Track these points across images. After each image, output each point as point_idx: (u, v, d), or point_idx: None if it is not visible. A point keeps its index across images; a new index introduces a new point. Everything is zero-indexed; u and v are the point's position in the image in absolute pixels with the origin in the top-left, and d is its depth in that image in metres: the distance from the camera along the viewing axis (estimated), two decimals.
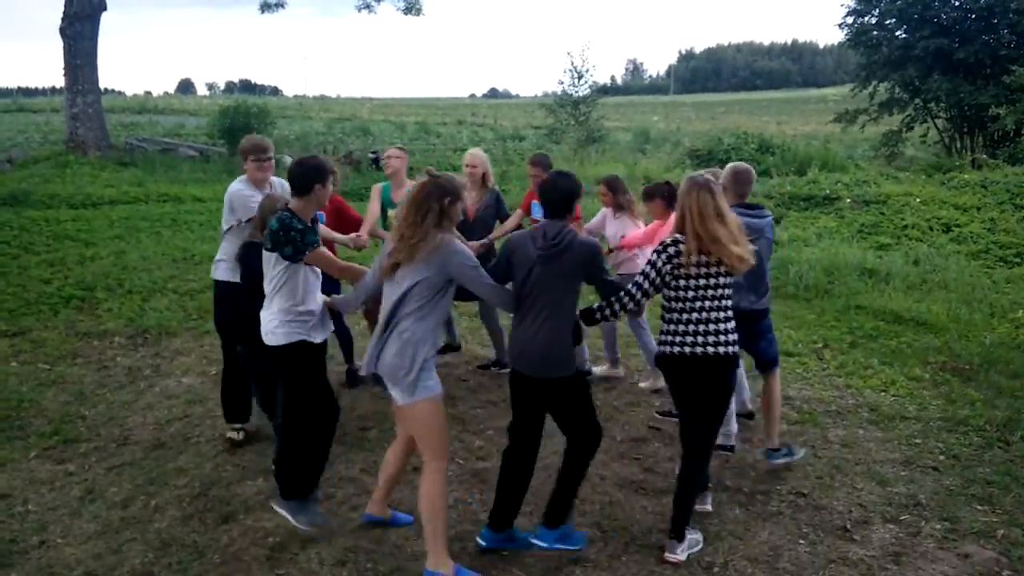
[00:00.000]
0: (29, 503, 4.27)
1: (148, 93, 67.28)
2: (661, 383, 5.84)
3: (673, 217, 5.29)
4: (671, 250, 3.67)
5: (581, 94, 27.55)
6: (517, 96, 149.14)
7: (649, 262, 3.74)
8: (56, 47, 17.11)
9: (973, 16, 21.07)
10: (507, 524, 3.84)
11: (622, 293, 3.74)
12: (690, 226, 3.63)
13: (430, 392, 3.51)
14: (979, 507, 4.36)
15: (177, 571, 3.68)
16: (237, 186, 4.83)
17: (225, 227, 4.85)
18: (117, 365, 6.44)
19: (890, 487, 4.57)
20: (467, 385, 6.05)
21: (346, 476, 4.60)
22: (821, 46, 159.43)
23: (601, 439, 3.82)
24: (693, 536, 3.89)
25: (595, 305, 3.82)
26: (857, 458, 4.96)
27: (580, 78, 27.42)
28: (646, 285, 3.70)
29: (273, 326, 3.81)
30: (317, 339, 3.89)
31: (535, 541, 3.78)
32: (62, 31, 17.03)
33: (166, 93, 79.43)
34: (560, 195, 3.71)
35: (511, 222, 6.27)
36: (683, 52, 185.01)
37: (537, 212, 6.22)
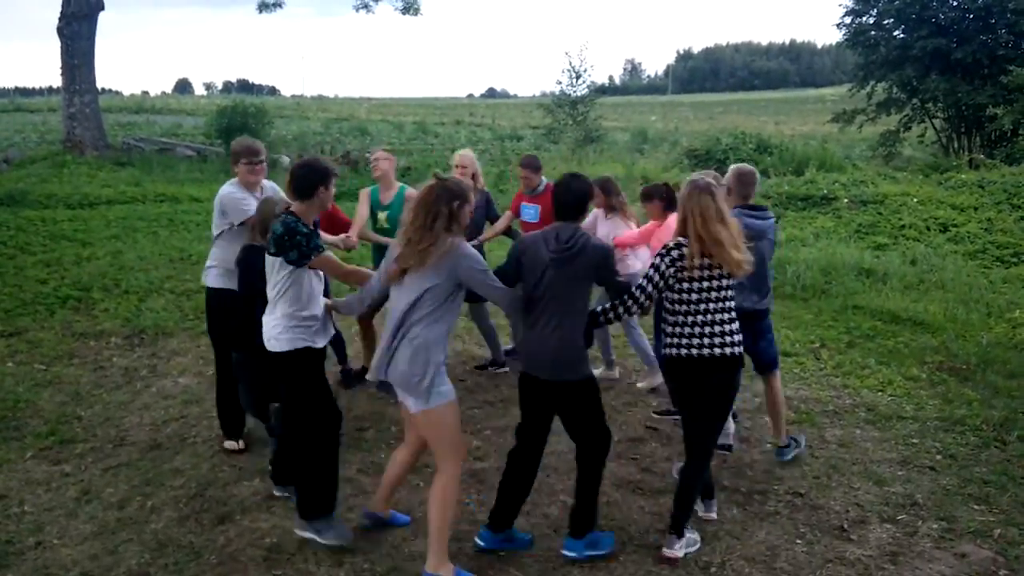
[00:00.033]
0: (25, 504, 4.26)
1: (145, 93, 67.27)
2: (657, 381, 5.85)
3: (670, 219, 5.36)
4: (674, 253, 3.69)
5: (579, 94, 27.61)
6: (515, 96, 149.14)
7: (652, 265, 3.76)
8: (53, 47, 17.12)
9: (971, 16, 21.07)
10: (507, 524, 3.84)
11: (626, 296, 3.75)
12: (692, 229, 3.66)
13: (445, 398, 3.48)
14: (976, 507, 4.36)
15: (173, 572, 3.67)
16: (228, 189, 4.74)
17: (216, 232, 4.77)
18: (113, 365, 6.43)
19: (887, 487, 4.58)
20: (464, 385, 6.05)
21: (343, 476, 4.55)
22: (819, 46, 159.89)
23: (610, 444, 3.82)
24: (691, 536, 3.89)
25: (599, 308, 3.82)
26: (854, 458, 4.96)
27: (578, 78, 27.51)
28: (649, 288, 3.72)
29: (277, 332, 3.74)
30: (320, 344, 3.85)
31: (564, 552, 3.76)
32: (59, 31, 17.01)
33: (163, 93, 79.44)
34: (573, 197, 3.70)
35: (501, 223, 6.29)
36: (681, 52, 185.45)
37: (526, 214, 6.25)
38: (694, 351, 3.71)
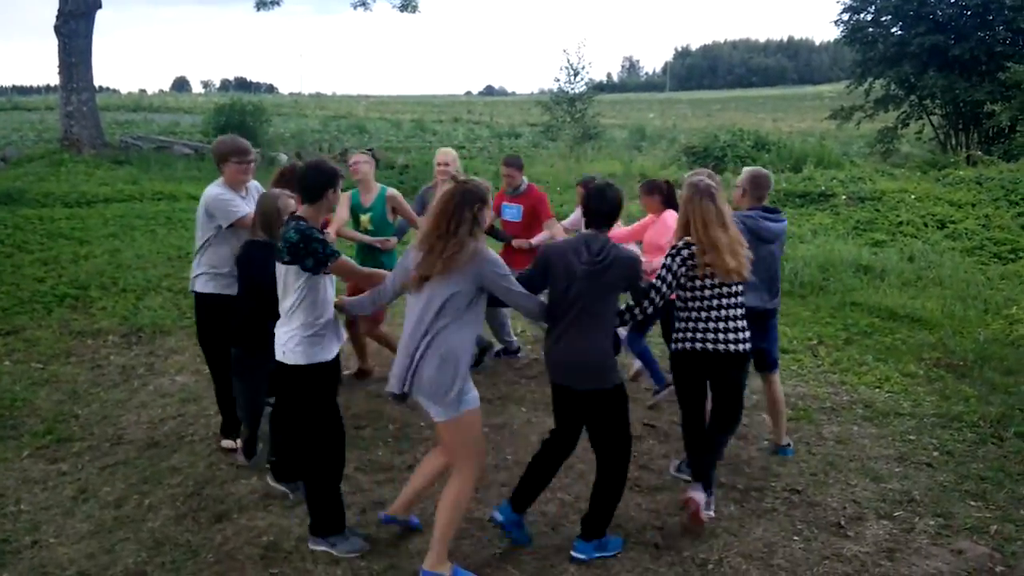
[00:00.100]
0: (22, 502, 4.26)
1: (143, 91, 67.27)
2: (637, 365, 5.91)
3: (665, 214, 5.42)
4: (684, 252, 3.82)
5: (577, 91, 27.60)
6: (513, 93, 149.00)
7: (664, 266, 3.85)
8: (51, 45, 17.11)
9: (968, 13, 21.07)
10: (526, 506, 3.87)
11: (643, 298, 3.81)
12: (694, 234, 3.81)
13: (472, 405, 3.46)
14: (972, 503, 4.37)
15: (171, 570, 3.67)
16: (215, 190, 4.62)
17: (203, 237, 4.64)
18: (111, 364, 6.43)
19: (884, 483, 4.58)
20: None
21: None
22: (817, 43, 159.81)
23: (631, 454, 3.82)
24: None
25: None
26: (851, 454, 4.96)
27: (576, 75, 27.49)
28: (664, 288, 3.81)
29: (293, 344, 3.60)
30: (335, 353, 3.73)
31: (574, 554, 3.76)
32: (57, 29, 16.95)
33: (161, 91, 79.36)
34: (609, 206, 3.71)
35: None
36: (679, 49, 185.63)
37: (507, 213, 6.28)
38: (709, 345, 3.85)
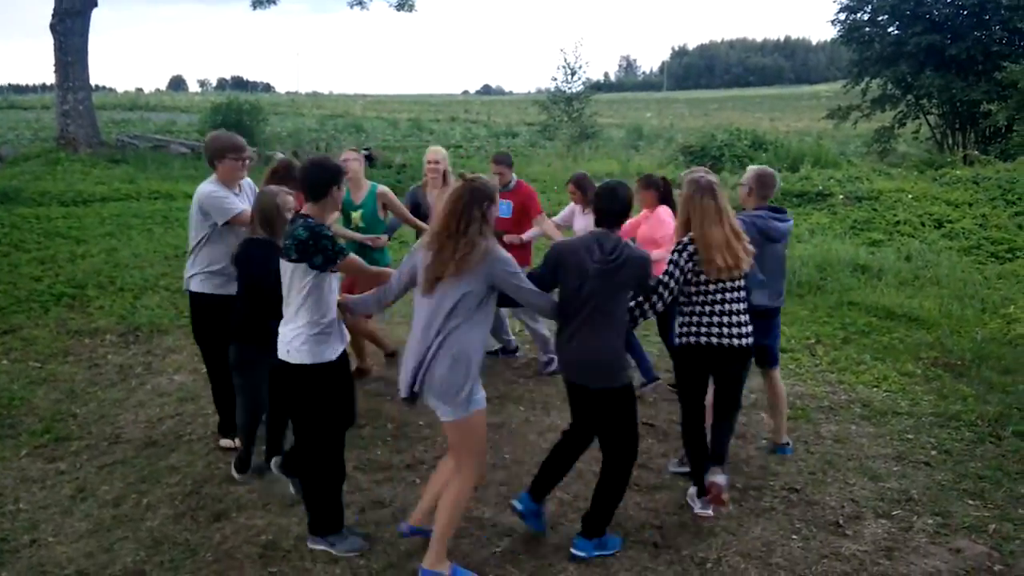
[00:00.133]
0: (20, 501, 4.25)
1: (139, 90, 67.13)
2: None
3: (659, 210, 5.49)
4: (691, 248, 3.87)
5: (574, 91, 27.63)
6: (511, 93, 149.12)
7: (671, 262, 3.90)
8: (47, 44, 16.99)
9: (965, 12, 21.13)
10: (544, 495, 3.91)
11: (651, 294, 3.85)
12: (694, 230, 3.88)
13: (480, 405, 3.44)
14: (970, 502, 4.37)
15: (169, 569, 3.66)
16: (208, 188, 4.55)
17: (197, 236, 4.59)
18: (108, 363, 6.41)
19: (882, 482, 4.59)
20: None
21: None
22: (814, 43, 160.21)
23: (637, 455, 3.84)
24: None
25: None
26: (849, 453, 4.97)
27: (573, 75, 27.52)
28: (672, 284, 3.87)
29: (299, 343, 3.55)
30: (340, 351, 3.68)
31: (574, 551, 3.76)
32: (52, 28, 16.91)
33: (157, 90, 79.31)
34: (620, 205, 3.73)
35: None
36: (676, 48, 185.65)
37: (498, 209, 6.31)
38: (713, 340, 3.91)
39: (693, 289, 3.93)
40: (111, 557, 3.74)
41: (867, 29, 22.61)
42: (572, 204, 6.36)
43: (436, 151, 6.26)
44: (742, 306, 3.97)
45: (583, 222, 6.11)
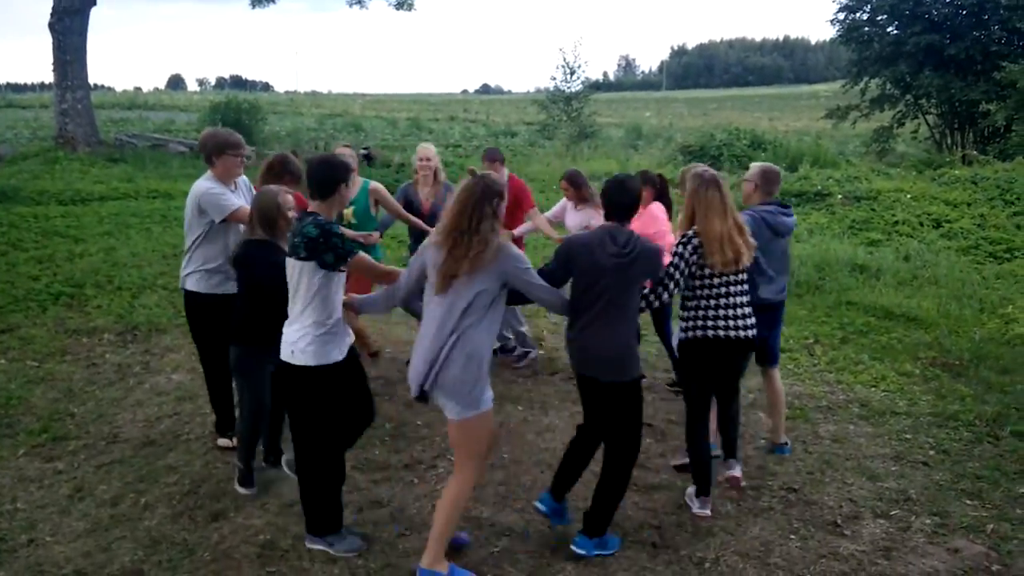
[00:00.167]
0: (18, 501, 4.24)
1: (138, 89, 67.04)
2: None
3: (652, 207, 5.52)
4: (695, 241, 3.90)
5: (573, 90, 27.61)
6: (509, 92, 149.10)
7: (676, 254, 3.93)
8: (45, 42, 16.98)
9: (964, 12, 21.13)
10: (564, 492, 3.93)
11: (656, 286, 3.89)
12: (700, 223, 3.91)
13: (488, 406, 3.43)
14: (969, 502, 4.38)
15: (167, 569, 3.66)
16: (205, 184, 4.50)
17: (195, 233, 4.55)
18: (106, 362, 6.41)
19: (880, 482, 4.59)
20: None
21: None
22: (813, 42, 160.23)
23: (639, 451, 3.85)
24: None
25: None
26: (848, 453, 4.97)
27: (572, 74, 27.50)
28: (677, 275, 3.91)
29: (304, 343, 3.50)
30: (346, 352, 3.63)
31: (574, 548, 3.76)
32: (51, 26, 16.90)
33: (156, 89, 79.18)
34: (630, 198, 3.75)
35: None
36: (675, 48, 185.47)
37: None
38: (720, 332, 3.95)
39: (697, 283, 3.97)
40: (109, 557, 3.73)
41: (866, 29, 22.61)
42: (564, 200, 6.38)
43: (426, 148, 6.27)
44: (745, 299, 4.02)
45: (575, 218, 6.16)
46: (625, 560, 3.77)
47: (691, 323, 4.02)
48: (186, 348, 6.68)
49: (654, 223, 5.47)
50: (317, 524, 3.75)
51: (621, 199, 3.72)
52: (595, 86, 34.94)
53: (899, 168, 16.86)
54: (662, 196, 5.67)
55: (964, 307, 8.13)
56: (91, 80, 18.73)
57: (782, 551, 3.88)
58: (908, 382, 6.21)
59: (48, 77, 17.99)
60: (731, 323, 3.96)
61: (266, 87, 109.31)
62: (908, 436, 5.23)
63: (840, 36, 23.36)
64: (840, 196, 13.26)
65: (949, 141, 21.76)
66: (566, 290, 3.77)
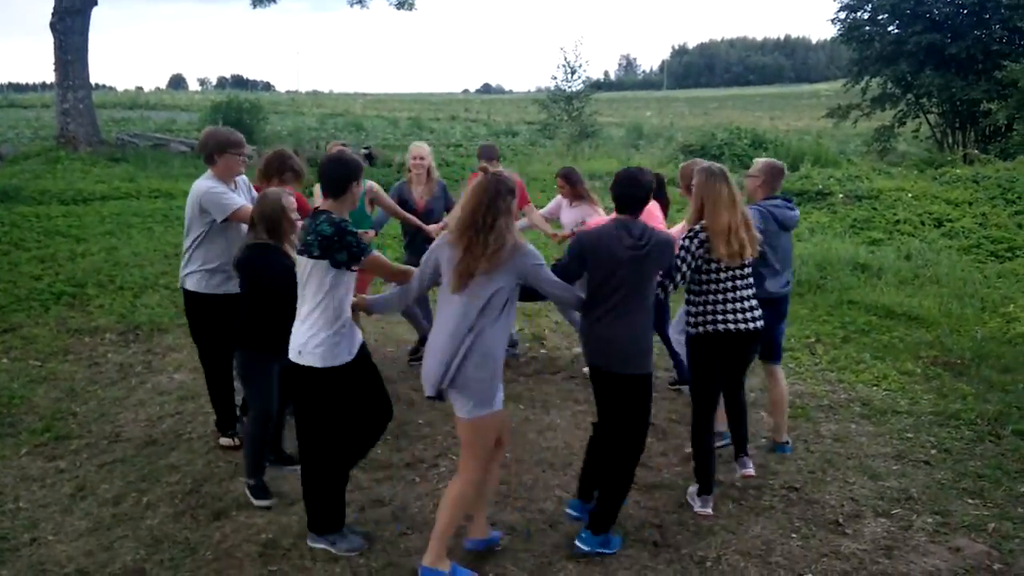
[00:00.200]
0: (20, 500, 4.25)
1: (139, 88, 66.91)
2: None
3: (649, 204, 5.51)
4: (702, 235, 3.93)
5: (574, 89, 27.56)
6: (510, 91, 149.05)
7: (683, 247, 3.95)
8: (46, 42, 16.97)
9: (965, 11, 21.11)
10: (590, 494, 3.95)
11: (664, 278, 3.91)
12: (708, 217, 3.94)
13: (499, 406, 3.43)
14: (970, 501, 4.38)
15: (169, 568, 3.66)
16: (206, 184, 4.47)
17: (195, 233, 4.53)
18: (108, 361, 6.41)
19: (882, 481, 4.59)
20: None
21: None
22: (814, 41, 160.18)
23: (643, 449, 3.85)
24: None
25: None
26: (849, 452, 4.97)
27: (573, 73, 27.45)
28: (684, 268, 3.94)
29: (313, 344, 3.47)
30: (355, 353, 3.61)
31: (578, 544, 3.78)
32: (52, 26, 16.89)
33: (157, 88, 78.99)
34: (643, 191, 3.75)
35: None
36: (676, 47, 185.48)
37: None
38: (731, 326, 3.98)
39: (704, 277, 3.99)
40: (111, 555, 3.74)
41: (867, 28, 22.59)
42: (559, 197, 6.42)
43: (420, 147, 6.29)
44: (751, 291, 4.06)
45: (570, 215, 6.21)
46: (626, 559, 3.78)
47: (699, 318, 4.04)
48: (188, 347, 6.68)
49: (649, 220, 5.46)
50: (319, 523, 3.75)
51: (635, 192, 3.71)
52: (596, 85, 34.89)
53: (900, 167, 16.85)
54: (658, 194, 5.67)
55: (965, 306, 8.13)
56: (92, 80, 18.74)
57: (783, 550, 3.88)
58: (909, 381, 6.21)
59: (49, 77, 18.02)
60: (739, 316, 3.99)
61: (267, 87, 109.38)
62: (910, 435, 5.23)
63: (841, 35, 23.34)
64: (841, 195, 13.25)
65: (950, 140, 21.74)
66: (579, 286, 3.77)
